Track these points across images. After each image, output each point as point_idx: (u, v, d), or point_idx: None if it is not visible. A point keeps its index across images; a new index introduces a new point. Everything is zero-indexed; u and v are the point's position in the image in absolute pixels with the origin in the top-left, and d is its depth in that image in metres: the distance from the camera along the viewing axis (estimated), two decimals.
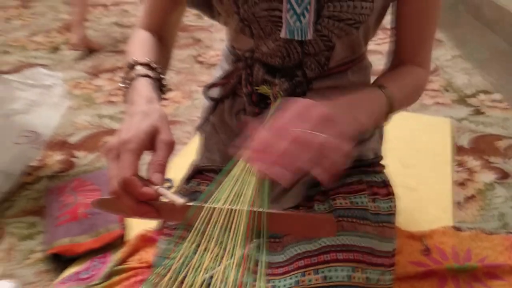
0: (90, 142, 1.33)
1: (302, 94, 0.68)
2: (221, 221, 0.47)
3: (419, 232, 0.93)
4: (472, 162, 1.18)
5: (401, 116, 1.37)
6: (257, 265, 0.66)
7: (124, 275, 0.82)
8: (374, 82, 0.67)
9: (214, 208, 0.49)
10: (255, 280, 0.65)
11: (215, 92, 0.75)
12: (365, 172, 0.75)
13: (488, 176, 1.13)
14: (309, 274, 0.61)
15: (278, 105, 0.67)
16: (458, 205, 1.03)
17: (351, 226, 0.66)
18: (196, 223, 0.48)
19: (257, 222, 0.47)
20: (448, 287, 0.82)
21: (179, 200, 0.49)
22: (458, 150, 1.24)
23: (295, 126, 0.47)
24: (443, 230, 0.94)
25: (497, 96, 1.54)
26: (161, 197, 0.50)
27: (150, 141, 0.51)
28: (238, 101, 0.72)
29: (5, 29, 2.40)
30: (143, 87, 0.57)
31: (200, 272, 0.45)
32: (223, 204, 0.49)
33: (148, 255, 0.87)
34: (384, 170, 0.80)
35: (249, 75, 0.69)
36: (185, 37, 2.17)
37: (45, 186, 1.13)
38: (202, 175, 0.78)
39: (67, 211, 0.96)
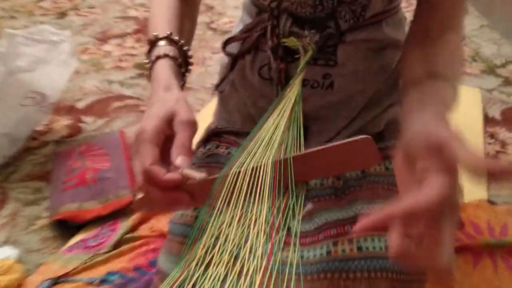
0: (99, 108, 1.28)
1: (334, 47, 0.63)
2: (245, 185, 0.42)
3: None
4: (505, 134, 1.12)
5: None
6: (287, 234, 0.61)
7: (135, 243, 0.78)
8: (426, 68, 0.55)
9: (239, 172, 0.43)
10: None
11: (235, 48, 0.69)
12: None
13: None
14: (342, 244, 0.55)
15: (309, 59, 0.61)
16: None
17: (388, 193, 0.60)
18: (222, 193, 0.43)
19: (285, 172, 0.41)
20: (484, 262, 0.76)
21: (200, 174, 0.43)
22: (489, 121, 1.17)
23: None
24: (477, 203, 0.88)
25: None
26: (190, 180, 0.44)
27: (168, 126, 0.48)
28: (260, 56, 0.67)
29: None
30: (162, 73, 0.55)
31: (228, 244, 0.39)
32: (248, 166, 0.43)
33: (160, 223, 0.82)
34: None
35: (275, 27, 0.63)
36: None
37: (51, 151, 1.09)
38: (220, 137, 0.73)
39: (74, 176, 0.92)
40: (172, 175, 0.44)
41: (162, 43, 0.57)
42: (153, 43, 0.57)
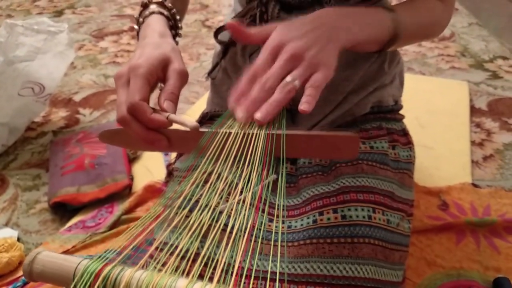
0: (96, 100, 1.29)
1: None
2: (236, 147, 0.44)
3: (436, 188, 0.90)
4: (490, 123, 1.14)
5: (417, 79, 1.34)
6: (270, 207, 0.63)
7: (131, 224, 0.80)
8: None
9: (230, 133, 0.45)
10: (269, 221, 0.62)
11: (227, 36, 0.70)
12: (384, 118, 0.72)
13: (507, 137, 1.08)
14: (327, 213, 0.58)
15: None
16: (476, 164, 0.99)
17: (371, 169, 0.62)
18: (209, 151, 0.45)
19: (275, 146, 0.43)
20: (467, 240, 0.78)
21: (193, 122, 0.45)
22: (476, 112, 1.19)
23: (265, 70, 0.45)
24: (461, 186, 0.90)
25: None
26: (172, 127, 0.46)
27: (161, 70, 0.49)
28: None
29: None
30: (157, 23, 0.55)
31: (209, 207, 0.40)
32: (239, 129, 0.45)
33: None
34: (403, 120, 0.77)
35: (263, 13, 0.65)
36: (192, 2, 2.11)
37: (49, 141, 1.09)
38: (213, 120, 0.75)
39: (72, 161, 0.93)
40: (159, 116, 0.44)
41: (154, 6, 0.57)
42: (146, 5, 0.58)
